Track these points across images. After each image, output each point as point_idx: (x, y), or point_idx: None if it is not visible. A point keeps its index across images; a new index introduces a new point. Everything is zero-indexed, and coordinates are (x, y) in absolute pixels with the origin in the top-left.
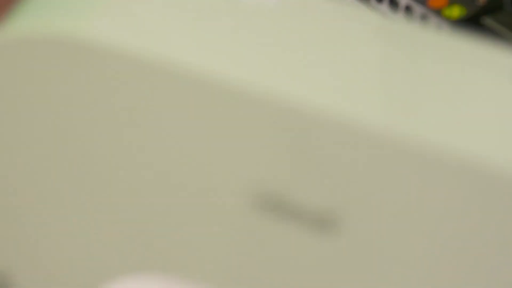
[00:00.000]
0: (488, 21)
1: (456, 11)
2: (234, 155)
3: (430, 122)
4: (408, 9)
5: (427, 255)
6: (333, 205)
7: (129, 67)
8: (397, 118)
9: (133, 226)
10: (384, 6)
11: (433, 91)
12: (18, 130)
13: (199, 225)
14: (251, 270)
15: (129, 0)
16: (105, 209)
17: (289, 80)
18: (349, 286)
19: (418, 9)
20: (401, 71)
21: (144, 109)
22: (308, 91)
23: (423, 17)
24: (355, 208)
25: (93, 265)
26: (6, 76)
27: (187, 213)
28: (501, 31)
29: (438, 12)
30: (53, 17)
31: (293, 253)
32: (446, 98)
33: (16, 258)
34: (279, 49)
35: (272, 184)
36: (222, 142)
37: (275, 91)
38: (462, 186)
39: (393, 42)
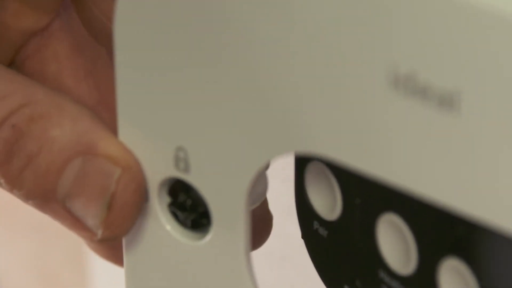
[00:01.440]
0: None
1: None
2: (380, 35)
3: None
4: None
5: None
6: (457, 85)
7: None
8: None
9: (281, 105)
10: None
11: None
12: None
13: (339, 103)
14: (378, 142)
15: None
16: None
17: None
18: (462, 163)
19: None
20: None
21: None
22: None
23: None
24: (477, 89)
25: (248, 148)
26: None
27: (328, 90)
28: None
29: None
30: None
31: (416, 128)
32: None
33: (190, 137)
34: None
35: (405, 64)
36: (375, 24)
37: None
38: None
39: None
